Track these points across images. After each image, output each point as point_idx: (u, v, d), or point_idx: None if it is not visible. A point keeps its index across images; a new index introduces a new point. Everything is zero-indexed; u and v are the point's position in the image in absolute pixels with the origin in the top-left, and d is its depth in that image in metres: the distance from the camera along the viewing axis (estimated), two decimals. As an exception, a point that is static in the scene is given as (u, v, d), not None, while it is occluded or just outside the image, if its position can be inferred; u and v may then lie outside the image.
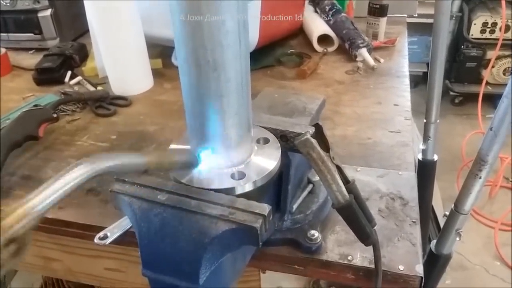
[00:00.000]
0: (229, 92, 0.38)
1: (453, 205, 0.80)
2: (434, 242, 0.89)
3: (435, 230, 1.59)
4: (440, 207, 1.78)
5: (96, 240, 0.55)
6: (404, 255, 0.53)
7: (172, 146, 0.45)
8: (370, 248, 0.48)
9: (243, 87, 0.39)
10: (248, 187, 0.41)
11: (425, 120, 1.13)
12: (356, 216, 0.45)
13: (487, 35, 2.51)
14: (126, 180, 0.39)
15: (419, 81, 2.77)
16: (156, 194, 0.38)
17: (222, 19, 0.35)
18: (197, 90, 0.38)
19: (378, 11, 1.12)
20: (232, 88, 0.38)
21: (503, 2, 1.75)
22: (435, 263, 0.90)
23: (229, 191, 0.40)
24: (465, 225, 0.81)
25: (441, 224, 0.89)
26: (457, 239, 0.84)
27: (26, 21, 1.18)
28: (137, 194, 0.38)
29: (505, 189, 2.14)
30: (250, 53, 1.06)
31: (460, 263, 1.77)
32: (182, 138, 0.46)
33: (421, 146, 1.17)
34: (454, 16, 2.55)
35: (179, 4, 0.35)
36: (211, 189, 0.39)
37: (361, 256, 0.53)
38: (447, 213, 0.84)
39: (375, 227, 0.48)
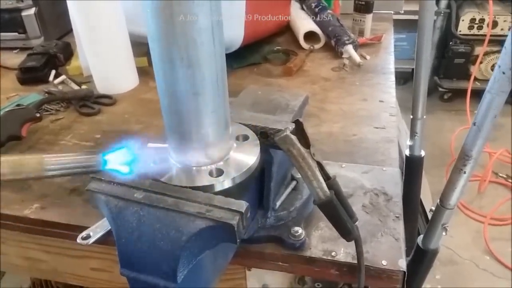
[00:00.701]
0: (205, 90, 0.38)
1: (438, 200, 0.81)
2: (421, 237, 0.90)
3: (424, 225, 1.59)
4: (430, 202, 1.79)
5: (78, 240, 0.55)
6: (387, 250, 0.53)
7: (150, 145, 0.45)
8: (354, 243, 0.48)
9: (219, 85, 0.39)
10: (227, 184, 0.41)
11: (411, 116, 1.14)
12: (337, 212, 0.45)
13: (475, 31, 2.53)
14: (103, 178, 0.39)
15: (408, 77, 2.78)
16: (132, 193, 0.38)
17: (195, 15, 0.34)
18: (172, 88, 0.38)
19: (364, 8, 1.13)
20: (207, 86, 0.38)
21: (490, -2, 1.77)
22: (422, 258, 0.90)
23: (207, 188, 0.40)
24: (454, 220, 0.82)
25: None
26: (444, 233, 0.85)
27: (10, 20, 1.16)
28: (114, 192, 0.38)
29: (494, 184, 2.16)
30: (237, 51, 1.06)
31: (450, 258, 1.79)
32: (160, 136, 0.46)
33: (408, 142, 1.17)
34: (442, 12, 2.56)
35: (152, 1, 0.34)
36: (188, 187, 0.39)
37: (344, 252, 0.53)
38: (433, 208, 0.84)
39: (357, 223, 0.48)
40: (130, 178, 0.39)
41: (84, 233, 0.55)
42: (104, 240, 0.54)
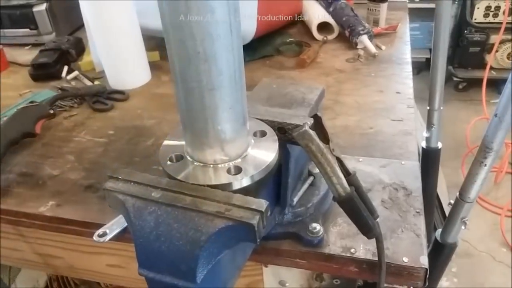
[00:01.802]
0: (222, 85, 0.37)
1: (458, 193, 0.79)
2: (439, 231, 0.88)
3: (440, 218, 1.58)
4: (445, 195, 1.77)
5: (95, 238, 0.54)
6: (408, 246, 0.52)
7: (166, 142, 0.44)
8: (374, 240, 0.47)
9: (237, 80, 0.38)
10: (246, 182, 0.40)
11: (428, 107, 1.11)
12: (357, 209, 0.44)
13: (490, 19, 2.47)
14: (120, 177, 0.38)
15: (422, 67, 2.73)
16: (150, 192, 0.37)
17: (212, 7, 0.33)
18: (188, 83, 0.37)
19: (378, -4, 1.10)
20: (224, 81, 0.37)
21: (507, -15, 1.72)
22: (440, 252, 0.89)
23: (225, 186, 0.39)
24: (470, 212, 0.80)
25: (447, 213, 0.88)
26: (463, 227, 0.83)
27: (21, 16, 1.16)
28: (131, 192, 0.37)
29: (510, 175, 2.12)
30: (249, 43, 1.05)
31: (466, 250, 1.76)
32: (175, 133, 0.45)
33: (425, 134, 1.15)
34: (457, 0, 2.50)
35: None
36: (206, 185, 0.38)
37: (364, 248, 0.52)
38: (452, 201, 0.82)
39: (377, 219, 0.47)
40: (147, 177, 0.39)
41: (100, 231, 0.54)
42: (121, 237, 0.54)
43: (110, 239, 0.54)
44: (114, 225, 0.55)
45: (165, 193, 0.37)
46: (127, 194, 0.37)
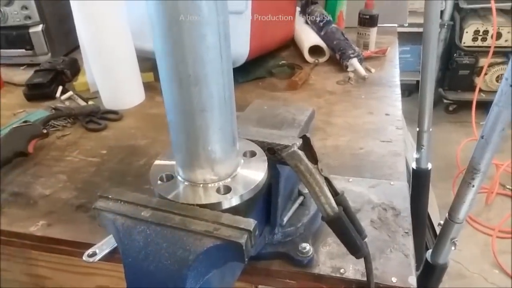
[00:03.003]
0: (212, 107, 0.38)
1: (447, 214, 0.80)
2: (429, 251, 0.88)
3: (432, 238, 1.58)
4: (437, 216, 1.77)
5: (85, 258, 0.54)
6: (397, 266, 0.53)
7: (157, 162, 0.45)
8: (363, 260, 0.48)
9: (227, 102, 0.39)
10: (235, 201, 0.41)
11: (418, 129, 1.13)
12: (345, 228, 0.44)
13: (479, 43, 2.53)
14: (110, 197, 0.39)
15: (413, 89, 2.78)
16: (140, 211, 0.37)
17: (203, 33, 0.34)
18: (179, 105, 0.38)
19: (368, 21, 1.13)
20: (215, 103, 0.38)
21: (494, 10, 1.77)
22: (431, 273, 0.89)
23: (215, 206, 0.39)
24: (462, 233, 0.81)
25: (438, 232, 0.89)
26: (453, 248, 0.84)
27: (18, 37, 1.18)
28: (121, 211, 0.37)
29: (501, 196, 2.14)
30: (242, 65, 1.07)
31: (459, 271, 1.76)
32: (167, 153, 0.45)
33: (415, 155, 1.17)
34: (446, 24, 2.57)
35: (160, 19, 0.35)
36: (196, 205, 0.39)
37: (353, 268, 0.52)
38: (442, 222, 0.83)
39: (366, 239, 0.48)
40: (137, 196, 0.39)
41: (90, 250, 0.55)
42: (110, 257, 0.54)
43: (100, 259, 0.54)
44: (104, 245, 0.55)
45: (155, 213, 0.37)
46: (117, 213, 0.37)
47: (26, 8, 1.13)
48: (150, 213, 0.37)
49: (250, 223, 0.36)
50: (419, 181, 1.19)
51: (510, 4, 2.42)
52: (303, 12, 1.28)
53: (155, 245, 0.35)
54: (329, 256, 0.54)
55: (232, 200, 0.40)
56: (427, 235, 1.52)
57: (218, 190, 0.41)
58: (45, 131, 0.82)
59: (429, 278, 0.88)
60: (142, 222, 0.36)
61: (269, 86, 1.04)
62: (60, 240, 0.61)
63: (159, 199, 0.40)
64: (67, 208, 0.66)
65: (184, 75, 0.36)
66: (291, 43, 1.24)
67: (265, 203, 0.50)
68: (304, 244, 0.53)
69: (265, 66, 1.11)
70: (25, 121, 0.84)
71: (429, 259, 0.87)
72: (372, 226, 0.59)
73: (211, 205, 0.39)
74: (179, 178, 0.43)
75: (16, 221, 0.64)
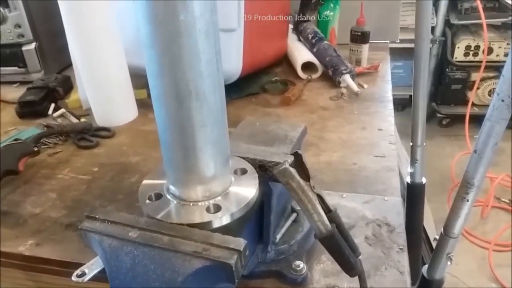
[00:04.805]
0: (211, 121, 0.38)
1: (442, 229, 0.79)
2: (426, 267, 0.87)
3: (428, 253, 1.56)
4: (433, 229, 1.77)
5: (73, 278, 0.53)
6: (392, 284, 0.52)
7: (145, 181, 0.44)
8: (358, 278, 0.47)
9: (222, 116, 0.39)
10: (226, 220, 0.40)
11: (411, 144, 1.13)
12: (339, 246, 0.43)
13: (470, 58, 2.56)
14: (97, 217, 0.38)
15: (406, 104, 2.79)
16: (127, 231, 0.36)
17: (202, 49, 0.34)
18: (178, 122, 0.37)
19: (360, 38, 1.14)
20: (213, 117, 0.38)
21: (485, 26, 1.80)
22: (428, 288, 0.88)
23: (205, 225, 0.39)
24: (458, 246, 0.80)
25: (434, 247, 0.88)
26: (449, 263, 0.83)
27: (11, 55, 1.18)
28: (108, 231, 0.37)
29: (496, 209, 2.14)
30: (235, 81, 1.07)
31: (456, 285, 1.74)
32: (156, 172, 0.45)
33: (409, 169, 1.16)
34: (438, 40, 2.60)
35: (157, 40, 0.35)
36: (185, 224, 0.38)
37: (348, 286, 0.52)
38: (437, 237, 0.82)
39: (360, 257, 0.47)
40: (125, 216, 0.38)
41: (79, 271, 0.53)
42: (100, 277, 0.53)
43: (89, 279, 0.53)
44: (94, 265, 0.54)
45: (143, 233, 0.36)
46: (104, 234, 0.37)
47: (19, 27, 1.13)
48: (138, 233, 0.36)
49: (240, 243, 0.35)
50: (413, 196, 1.18)
51: (500, 20, 2.46)
52: (296, 29, 1.29)
53: (143, 266, 0.34)
54: (323, 274, 0.53)
55: (223, 219, 0.40)
56: (423, 250, 1.50)
57: (208, 209, 0.40)
58: (36, 149, 0.81)
59: (425, 294, 0.87)
60: (130, 243, 0.36)
61: (262, 102, 1.04)
62: (48, 260, 0.60)
63: (147, 219, 0.39)
64: (57, 227, 0.65)
65: (184, 91, 0.36)
66: (284, 60, 1.24)
67: (257, 220, 0.49)
68: (297, 262, 0.53)
69: (258, 82, 1.11)
70: (16, 139, 0.83)
71: (425, 275, 0.86)
72: (366, 242, 0.58)
73: (201, 225, 0.38)
74: (169, 197, 0.42)
75: (4, 240, 0.63)
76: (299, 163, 0.47)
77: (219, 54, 0.38)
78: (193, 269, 0.33)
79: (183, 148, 0.39)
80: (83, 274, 0.52)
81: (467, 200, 0.73)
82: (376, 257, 0.56)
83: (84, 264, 0.53)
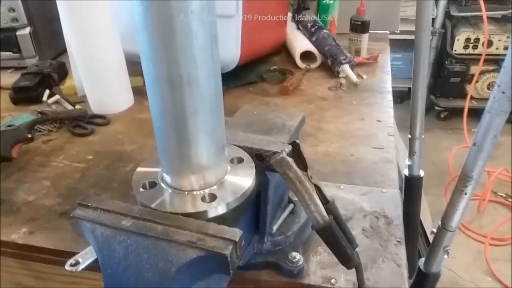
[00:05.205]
0: (204, 109, 0.37)
1: (439, 222, 0.79)
2: (422, 260, 0.87)
3: (425, 246, 1.57)
4: (430, 223, 1.77)
5: (67, 267, 0.52)
6: (389, 276, 0.51)
7: (140, 169, 0.43)
8: (354, 270, 0.46)
9: (217, 104, 0.38)
10: (221, 209, 0.39)
11: (409, 136, 1.12)
12: (336, 238, 0.43)
13: (470, 50, 2.55)
14: (89, 205, 0.37)
15: (405, 96, 2.78)
16: (120, 220, 0.36)
17: (195, 32, 0.33)
18: (170, 108, 0.36)
19: (360, 27, 1.13)
20: (206, 105, 0.37)
21: (485, 18, 1.78)
22: (424, 281, 0.88)
23: (200, 215, 0.38)
24: (455, 240, 0.80)
25: (431, 240, 0.88)
26: (446, 256, 0.83)
27: (5, 40, 1.16)
28: (100, 220, 0.36)
29: (493, 203, 2.14)
30: (233, 70, 1.06)
31: (451, 279, 1.75)
32: (150, 160, 0.44)
33: (407, 162, 1.16)
34: (437, 32, 2.59)
35: (149, 19, 0.33)
36: (180, 214, 0.37)
37: (344, 279, 0.51)
38: (435, 230, 0.82)
39: (357, 249, 0.46)
40: (118, 204, 0.37)
41: (72, 260, 0.52)
42: (94, 266, 0.52)
43: (83, 269, 0.52)
44: (88, 254, 0.53)
45: (136, 222, 0.35)
46: (96, 222, 0.36)
47: (13, 10, 1.11)
48: (131, 222, 0.35)
49: (235, 233, 0.34)
50: (411, 188, 1.18)
51: (500, 12, 2.44)
52: (295, 17, 1.27)
53: (136, 256, 0.33)
54: (320, 266, 0.53)
55: (218, 209, 0.39)
56: (419, 243, 1.51)
57: (203, 198, 0.39)
58: (30, 135, 0.79)
59: (422, 286, 0.87)
60: (123, 231, 0.35)
61: (260, 91, 1.03)
62: (42, 248, 0.59)
63: (141, 207, 0.38)
64: (50, 215, 0.64)
65: (176, 76, 0.35)
66: (283, 49, 1.23)
67: (253, 211, 0.48)
68: (294, 254, 0.52)
69: (256, 71, 1.10)
70: (9, 125, 0.82)
71: (422, 268, 0.86)
72: (363, 234, 0.57)
73: (196, 214, 0.38)
74: (163, 185, 0.41)
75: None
76: (296, 152, 0.46)
77: (215, 40, 0.36)
78: (187, 259, 0.33)
79: (176, 135, 0.38)
80: (76, 263, 0.51)
81: (465, 193, 0.72)
82: (373, 249, 0.55)
83: (78, 253, 0.53)
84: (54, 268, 0.62)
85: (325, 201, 0.44)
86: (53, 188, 0.70)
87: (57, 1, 0.84)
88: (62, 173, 0.74)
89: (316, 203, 0.41)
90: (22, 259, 0.62)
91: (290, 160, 0.41)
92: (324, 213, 0.42)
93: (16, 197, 0.69)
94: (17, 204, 0.67)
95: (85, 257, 0.53)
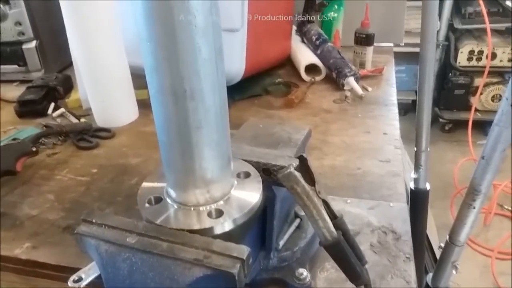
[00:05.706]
0: (208, 122, 0.36)
1: (447, 237, 0.78)
2: (430, 275, 0.86)
3: (431, 261, 1.54)
4: (435, 237, 1.75)
5: (69, 283, 0.51)
6: (398, 294, 0.50)
7: (145, 184, 0.43)
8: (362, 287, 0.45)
9: (222, 118, 0.37)
10: (228, 226, 0.38)
11: (415, 149, 1.12)
12: (345, 254, 0.42)
13: (474, 63, 2.55)
14: (94, 221, 0.36)
15: (409, 109, 2.78)
16: (125, 237, 0.35)
17: (198, 45, 0.33)
18: (174, 122, 0.36)
19: (364, 40, 1.13)
20: (211, 118, 0.36)
21: (489, 31, 1.78)
22: (432, 297, 0.86)
23: (206, 231, 0.37)
24: (461, 255, 0.79)
25: (437, 255, 0.87)
26: (454, 272, 0.81)
27: (11, 53, 1.16)
28: (105, 236, 0.35)
29: (499, 216, 2.12)
30: (238, 83, 1.06)
31: (458, 294, 1.72)
32: (156, 174, 0.43)
33: (413, 175, 1.15)
34: (441, 44, 2.59)
35: (152, 32, 0.33)
36: (186, 230, 0.36)
37: (352, 296, 0.50)
38: (442, 244, 0.81)
39: (366, 265, 0.45)
40: (123, 220, 0.37)
41: (75, 276, 0.52)
42: (97, 282, 0.51)
43: (86, 285, 0.51)
44: (91, 270, 0.52)
45: (141, 239, 0.35)
46: (100, 238, 0.35)
47: (20, 24, 1.12)
48: (136, 239, 0.35)
49: (243, 250, 0.33)
50: (417, 202, 1.16)
51: (504, 25, 2.45)
52: (300, 31, 1.28)
53: (141, 274, 0.33)
54: (327, 283, 0.52)
55: (225, 225, 0.38)
56: (426, 258, 1.49)
57: (209, 214, 0.39)
58: (34, 149, 0.79)
59: (429, 303, 0.85)
60: (127, 249, 0.34)
61: (265, 104, 1.02)
62: (44, 264, 0.58)
63: (146, 223, 0.37)
64: (54, 230, 0.64)
65: (180, 89, 0.34)
66: (287, 62, 1.23)
67: (260, 226, 0.48)
68: (301, 270, 0.51)
69: (261, 84, 1.10)
70: (14, 139, 0.82)
71: (429, 283, 0.85)
72: (371, 250, 0.56)
73: (202, 231, 0.37)
74: (169, 200, 0.40)
75: (1, 242, 0.61)
76: (304, 167, 0.45)
77: (220, 54, 0.36)
78: (194, 277, 0.32)
79: (180, 148, 0.38)
80: (79, 279, 0.51)
81: (474, 207, 0.72)
82: (382, 265, 0.54)
83: (81, 268, 0.52)
84: (57, 284, 0.61)
85: (333, 216, 0.43)
86: (57, 202, 0.70)
87: (63, 15, 0.85)
88: (66, 186, 0.74)
89: (324, 219, 0.41)
90: (25, 274, 0.61)
91: (298, 174, 0.41)
92: (333, 228, 0.41)
93: (20, 211, 0.68)
94: (21, 218, 0.67)
95: (88, 273, 0.52)
